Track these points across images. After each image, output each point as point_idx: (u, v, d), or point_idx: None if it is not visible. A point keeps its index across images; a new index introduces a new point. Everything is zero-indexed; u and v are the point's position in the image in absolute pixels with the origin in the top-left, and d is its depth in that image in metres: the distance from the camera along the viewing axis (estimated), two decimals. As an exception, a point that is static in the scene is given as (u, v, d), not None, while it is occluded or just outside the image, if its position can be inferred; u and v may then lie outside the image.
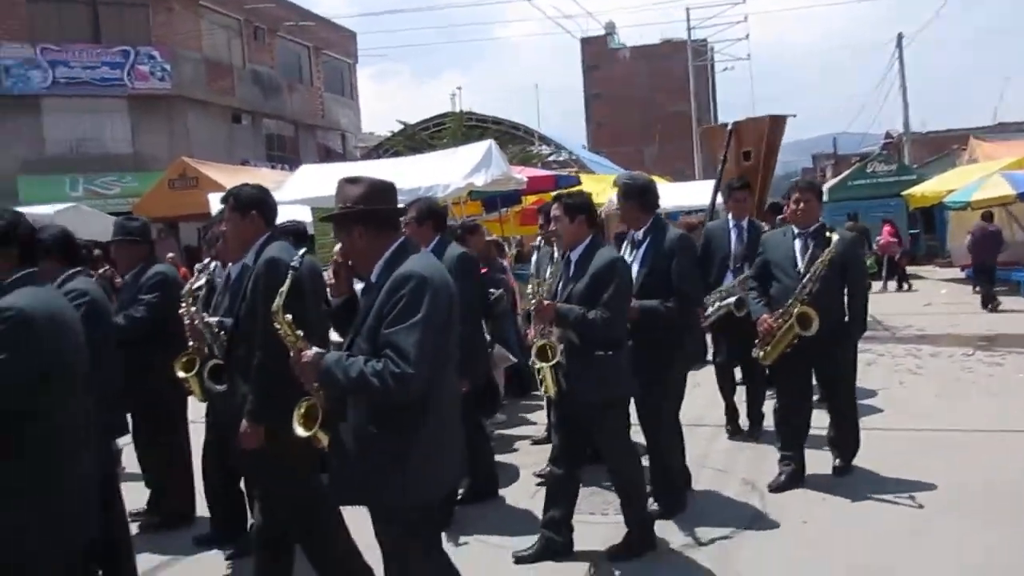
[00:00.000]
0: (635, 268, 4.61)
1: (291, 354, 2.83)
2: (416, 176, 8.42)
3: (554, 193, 7.16)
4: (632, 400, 4.58)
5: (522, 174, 10.01)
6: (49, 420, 2.60)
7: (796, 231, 5.17)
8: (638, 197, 4.74)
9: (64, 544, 2.68)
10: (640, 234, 4.71)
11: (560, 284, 4.24)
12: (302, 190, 9.25)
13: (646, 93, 73.13)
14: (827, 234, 5.00)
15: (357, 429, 2.73)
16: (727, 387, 6.51)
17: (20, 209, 9.80)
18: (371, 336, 2.69)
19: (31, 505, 2.54)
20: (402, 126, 29.25)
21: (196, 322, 4.19)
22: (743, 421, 6.46)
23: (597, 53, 77.31)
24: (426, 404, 2.69)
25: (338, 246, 3.08)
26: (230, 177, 19.79)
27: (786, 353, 5.00)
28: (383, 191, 2.90)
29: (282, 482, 3.65)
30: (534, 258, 4.80)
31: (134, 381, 4.95)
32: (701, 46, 44.05)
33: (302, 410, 2.85)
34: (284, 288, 2.92)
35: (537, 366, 4.17)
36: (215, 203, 11.91)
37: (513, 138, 28.13)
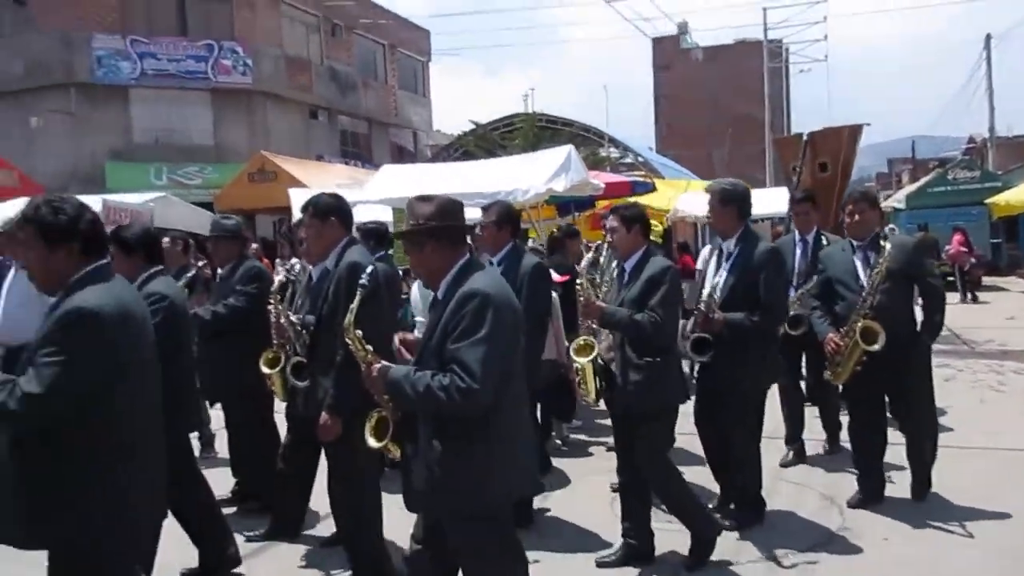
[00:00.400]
0: (723, 278, 4.64)
1: (362, 368, 2.97)
2: (497, 179, 8.56)
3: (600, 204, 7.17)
4: (699, 410, 4.68)
5: (598, 179, 10.08)
6: (118, 420, 2.65)
7: (855, 244, 5.07)
8: (737, 202, 4.72)
9: (127, 539, 2.75)
10: (731, 244, 4.71)
11: (615, 292, 4.35)
12: (384, 190, 9.47)
13: (717, 94, 72.11)
14: (881, 243, 4.85)
15: (423, 442, 2.85)
16: (792, 412, 6.20)
17: (110, 196, 10.11)
18: (437, 352, 2.80)
19: (97, 505, 2.60)
20: (473, 126, 29.51)
21: (281, 319, 4.40)
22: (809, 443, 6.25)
23: (669, 53, 76.44)
24: (489, 418, 2.77)
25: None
26: (308, 172, 20.30)
27: (856, 370, 4.89)
28: (453, 209, 3.01)
29: (348, 482, 3.92)
30: (587, 257, 4.87)
31: (227, 371, 5.21)
32: (776, 47, 43.21)
33: (373, 422, 3.04)
34: (354, 305, 3.10)
35: (576, 364, 4.29)
36: (296, 199, 12.27)
37: (584, 140, 28.08)
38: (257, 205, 19.15)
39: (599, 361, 4.29)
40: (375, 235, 6.21)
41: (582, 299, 4.31)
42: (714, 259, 4.82)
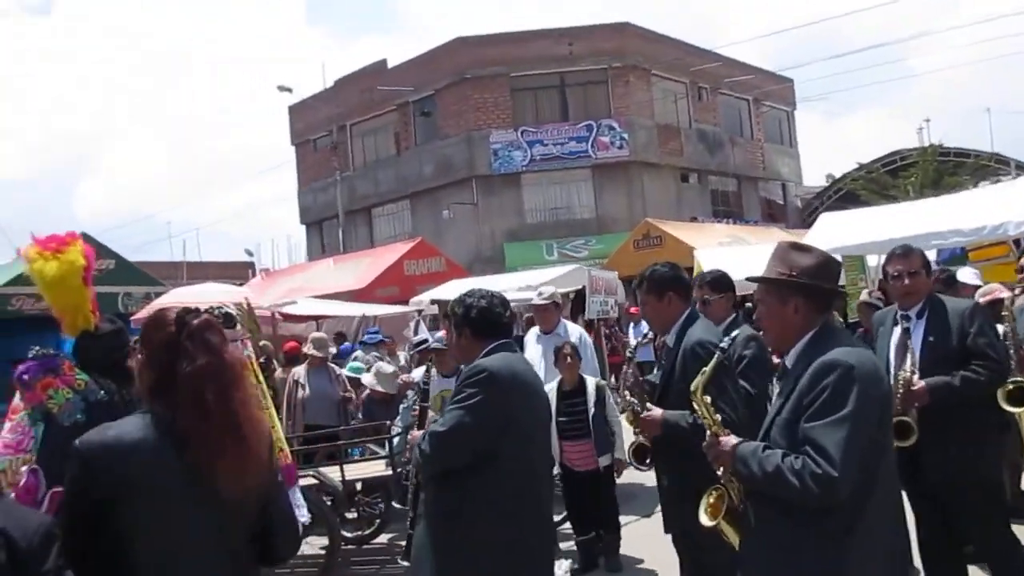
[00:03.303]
0: None
1: (707, 437, 2.68)
2: (976, 213, 7.72)
3: None
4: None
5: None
6: (502, 464, 2.97)
7: None
8: None
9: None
10: None
11: None
12: (830, 239, 9.01)
13: None
14: None
15: (775, 532, 2.47)
16: None
17: (594, 270, 10.59)
18: (788, 429, 2.42)
19: (457, 554, 2.97)
20: (857, 165, 27.90)
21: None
22: None
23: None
24: (858, 511, 2.35)
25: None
26: (691, 234, 20.54)
27: None
28: (832, 268, 2.66)
29: None
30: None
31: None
32: None
33: (711, 499, 2.71)
34: (708, 368, 2.78)
35: None
36: (701, 260, 12.24)
37: (988, 170, 25.06)
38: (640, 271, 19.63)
39: None
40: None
41: None
42: None
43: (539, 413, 3.22)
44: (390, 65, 28.50)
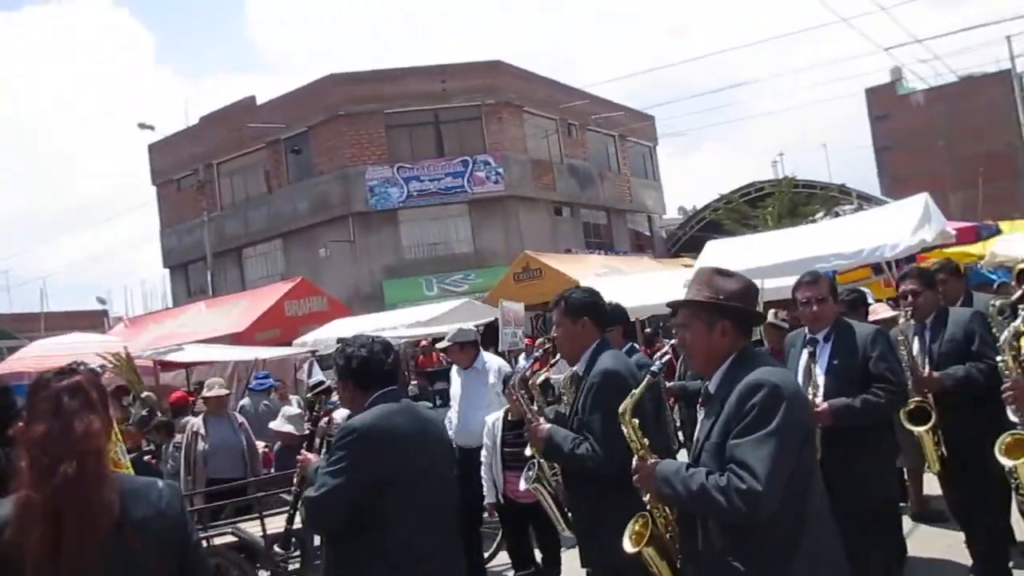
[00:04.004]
0: None
1: (634, 461, 2.68)
2: (853, 238, 8.25)
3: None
4: None
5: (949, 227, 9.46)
6: (386, 522, 2.84)
7: None
8: None
9: None
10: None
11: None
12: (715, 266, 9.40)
13: (946, 137, 67.40)
14: None
15: (713, 558, 2.46)
16: None
17: (506, 302, 10.40)
18: (717, 452, 2.45)
19: None
20: (718, 196, 29.42)
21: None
22: None
23: (885, 102, 72.74)
24: (796, 533, 2.39)
25: None
26: (570, 266, 20.91)
27: None
28: (753, 292, 2.70)
29: None
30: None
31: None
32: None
33: (636, 525, 2.68)
34: (636, 392, 2.78)
35: (1010, 467, 3.37)
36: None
37: (835, 200, 27.01)
38: (526, 302, 19.87)
39: None
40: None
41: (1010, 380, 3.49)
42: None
43: (428, 462, 2.98)
44: (259, 102, 27.82)
